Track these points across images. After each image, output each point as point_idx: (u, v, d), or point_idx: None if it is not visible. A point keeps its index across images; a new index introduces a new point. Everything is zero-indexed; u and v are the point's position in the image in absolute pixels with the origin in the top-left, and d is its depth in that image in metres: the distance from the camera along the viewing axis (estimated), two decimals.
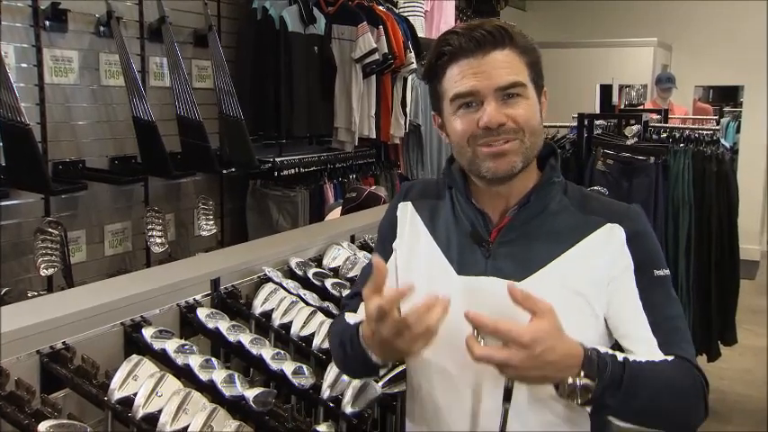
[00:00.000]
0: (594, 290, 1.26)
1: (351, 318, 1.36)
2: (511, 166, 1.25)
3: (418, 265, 1.36)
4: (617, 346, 1.28)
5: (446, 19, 5.96)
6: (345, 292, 1.92)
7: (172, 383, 1.30)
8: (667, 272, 1.29)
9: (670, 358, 1.21)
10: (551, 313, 1.09)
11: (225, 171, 3.78)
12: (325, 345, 1.69)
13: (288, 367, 1.53)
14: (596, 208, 1.32)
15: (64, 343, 1.34)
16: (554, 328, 1.08)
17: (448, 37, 1.26)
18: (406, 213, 1.43)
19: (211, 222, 3.73)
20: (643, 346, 1.23)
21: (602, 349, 1.15)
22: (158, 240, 3.38)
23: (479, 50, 1.23)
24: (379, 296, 1.11)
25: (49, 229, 2.90)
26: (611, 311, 1.27)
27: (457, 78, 1.24)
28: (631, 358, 1.16)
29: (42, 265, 2.87)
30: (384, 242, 1.45)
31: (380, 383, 1.56)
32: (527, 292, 1.09)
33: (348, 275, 2.05)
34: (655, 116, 4.82)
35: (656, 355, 1.21)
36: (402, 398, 1.75)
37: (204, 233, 3.70)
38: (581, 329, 1.18)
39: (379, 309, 1.10)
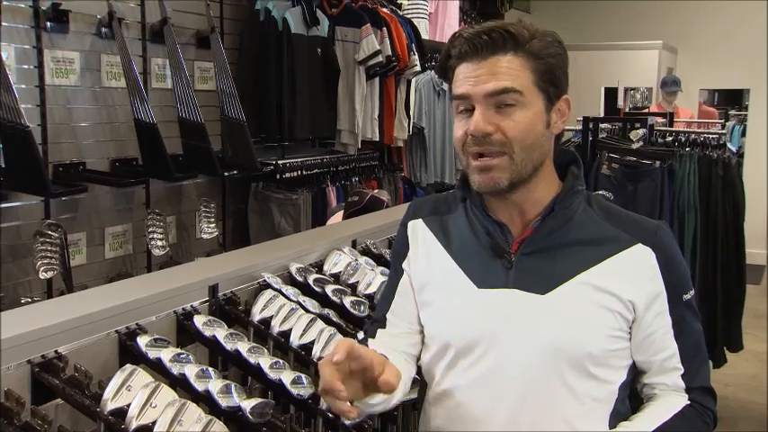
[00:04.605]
0: (622, 308, 1.24)
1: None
2: (495, 182, 1.22)
3: (434, 281, 1.34)
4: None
5: (450, 21, 5.94)
6: (346, 299, 1.89)
7: (167, 394, 1.27)
8: (692, 290, 1.30)
9: (682, 405, 1.29)
10: None
11: (227, 173, 3.75)
12: (325, 353, 1.66)
13: (286, 377, 1.50)
14: (624, 222, 1.29)
15: (56, 352, 1.30)
16: None
17: (455, 40, 1.24)
18: (417, 231, 1.40)
19: (213, 225, 3.70)
20: (669, 379, 1.30)
21: None
22: (159, 243, 3.36)
23: (478, 55, 1.21)
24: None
25: (49, 232, 2.87)
26: (640, 340, 1.27)
27: (458, 80, 1.24)
28: None
29: (42, 269, 2.85)
30: (396, 263, 1.44)
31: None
32: None
33: (349, 281, 2.02)
34: (660, 119, 4.78)
35: (677, 391, 1.30)
36: (404, 408, 1.72)
37: (206, 236, 3.68)
38: (606, 344, 1.23)
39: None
